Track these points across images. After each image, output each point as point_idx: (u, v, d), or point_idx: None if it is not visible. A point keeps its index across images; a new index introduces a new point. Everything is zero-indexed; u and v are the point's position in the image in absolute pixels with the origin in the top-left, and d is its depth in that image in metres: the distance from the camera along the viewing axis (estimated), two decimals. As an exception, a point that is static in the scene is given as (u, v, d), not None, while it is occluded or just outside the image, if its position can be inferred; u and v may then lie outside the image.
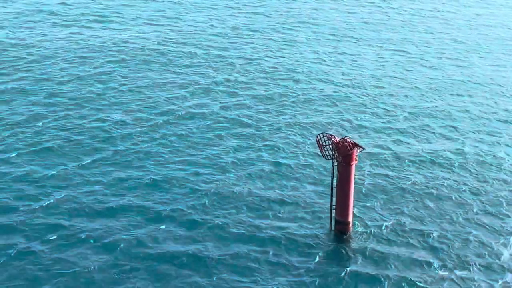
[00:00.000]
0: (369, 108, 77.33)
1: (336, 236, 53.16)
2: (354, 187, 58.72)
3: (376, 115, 75.41)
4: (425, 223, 56.05)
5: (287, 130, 71.13)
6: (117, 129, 70.01)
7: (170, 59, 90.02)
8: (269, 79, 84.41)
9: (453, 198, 59.84)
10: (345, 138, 49.69)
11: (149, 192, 59.01)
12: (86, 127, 70.08)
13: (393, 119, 74.56)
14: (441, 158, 66.33)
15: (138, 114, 73.69)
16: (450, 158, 66.45)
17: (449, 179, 62.79)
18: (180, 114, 73.98)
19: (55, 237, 52.57)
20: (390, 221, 55.89)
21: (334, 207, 52.46)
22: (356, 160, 50.35)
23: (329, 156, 50.47)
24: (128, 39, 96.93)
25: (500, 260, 51.94)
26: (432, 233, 54.64)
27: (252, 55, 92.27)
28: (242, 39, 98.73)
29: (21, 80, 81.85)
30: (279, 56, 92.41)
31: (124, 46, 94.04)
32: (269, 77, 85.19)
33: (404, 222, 55.92)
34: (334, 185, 51.58)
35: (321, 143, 50.37)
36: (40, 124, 70.40)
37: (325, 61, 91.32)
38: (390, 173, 63.43)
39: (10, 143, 66.25)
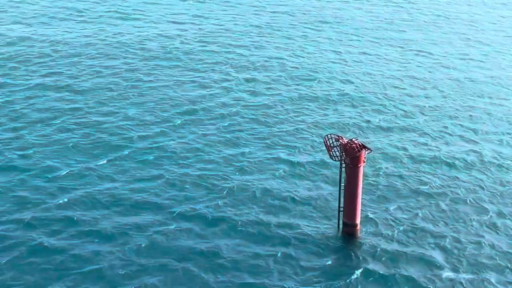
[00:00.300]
0: (389, 109, 77.02)
1: (344, 238, 53.07)
2: (368, 188, 58.81)
3: (395, 116, 75.09)
4: (438, 226, 55.70)
5: (305, 131, 71.10)
6: (136, 127, 70.61)
7: (191, 58, 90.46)
8: (290, 79, 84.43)
9: (468, 201, 59.41)
10: (353, 139, 49.54)
11: (164, 191, 59.43)
12: (105, 125, 70.76)
13: (412, 121, 74.19)
14: (458, 160, 65.85)
15: (158, 113, 74.25)
16: (467, 160, 65.95)
17: (466, 181, 62.31)
18: (199, 113, 74.36)
19: (67, 234, 53.20)
20: (402, 224, 55.59)
21: (342, 209, 52.32)
22: (364, 162, 50.20)
23: (336, 158, 50.36)
24: (151, 38, 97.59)
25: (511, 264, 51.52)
26: (445, 236, 54.28)
27: (274, 55, 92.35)
28: (264, 38, 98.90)
29: (45, 77, 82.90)
30: (301, 56, 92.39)
31: (146, 45, 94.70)
32: (290, 77, 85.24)
33: (417, 225, 55.63)
34: (342, 187, 51.46)
35: (328, 144, 50.30)
36: (59, 121, 71.24)
37: (346, 61, 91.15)
38: (406, 174, 63.12)
39: (29, 139, 67.17)
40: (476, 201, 59.41)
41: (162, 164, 63.70)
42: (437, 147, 68.43)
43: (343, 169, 50.79)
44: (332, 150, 50.08)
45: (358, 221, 52.52)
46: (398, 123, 73.45)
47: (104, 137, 68.31)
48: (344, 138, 49.78)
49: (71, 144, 66.52)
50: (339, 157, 50.16)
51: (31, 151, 64.96)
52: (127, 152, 65.67)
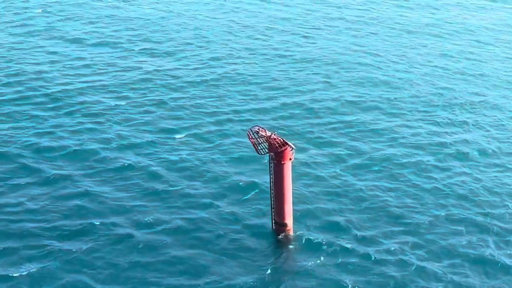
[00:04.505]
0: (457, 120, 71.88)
1: (274, 238, 50.64)
2: (309, 189, 55.97)
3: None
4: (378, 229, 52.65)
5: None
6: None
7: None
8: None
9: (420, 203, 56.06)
10: (273, 134, 46.85)
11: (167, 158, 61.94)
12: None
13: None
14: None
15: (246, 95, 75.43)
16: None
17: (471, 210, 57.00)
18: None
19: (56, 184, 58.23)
20: (338, 230, 52.31)
21: (273, 205, 49.94)
22: (290, 159, 47.44)
23: (262, 151, 47.72)
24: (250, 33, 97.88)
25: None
26: (380, 244, 50.58)
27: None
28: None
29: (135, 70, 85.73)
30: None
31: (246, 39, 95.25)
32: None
33: (353, 228, 52.59)
34: (272, 184, 48.94)
35: (252, 138, 47.61)
36: (126, 102, 74.71)
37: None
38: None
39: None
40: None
41: (177, 149, 64.75)
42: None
43: (271, 165, 48.32)
44: (260, 144, 47.51)
45: (288, 221, 49.88)
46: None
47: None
48: (266, 131, 47.12)
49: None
50: (266, 151, 47.65)
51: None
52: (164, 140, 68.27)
